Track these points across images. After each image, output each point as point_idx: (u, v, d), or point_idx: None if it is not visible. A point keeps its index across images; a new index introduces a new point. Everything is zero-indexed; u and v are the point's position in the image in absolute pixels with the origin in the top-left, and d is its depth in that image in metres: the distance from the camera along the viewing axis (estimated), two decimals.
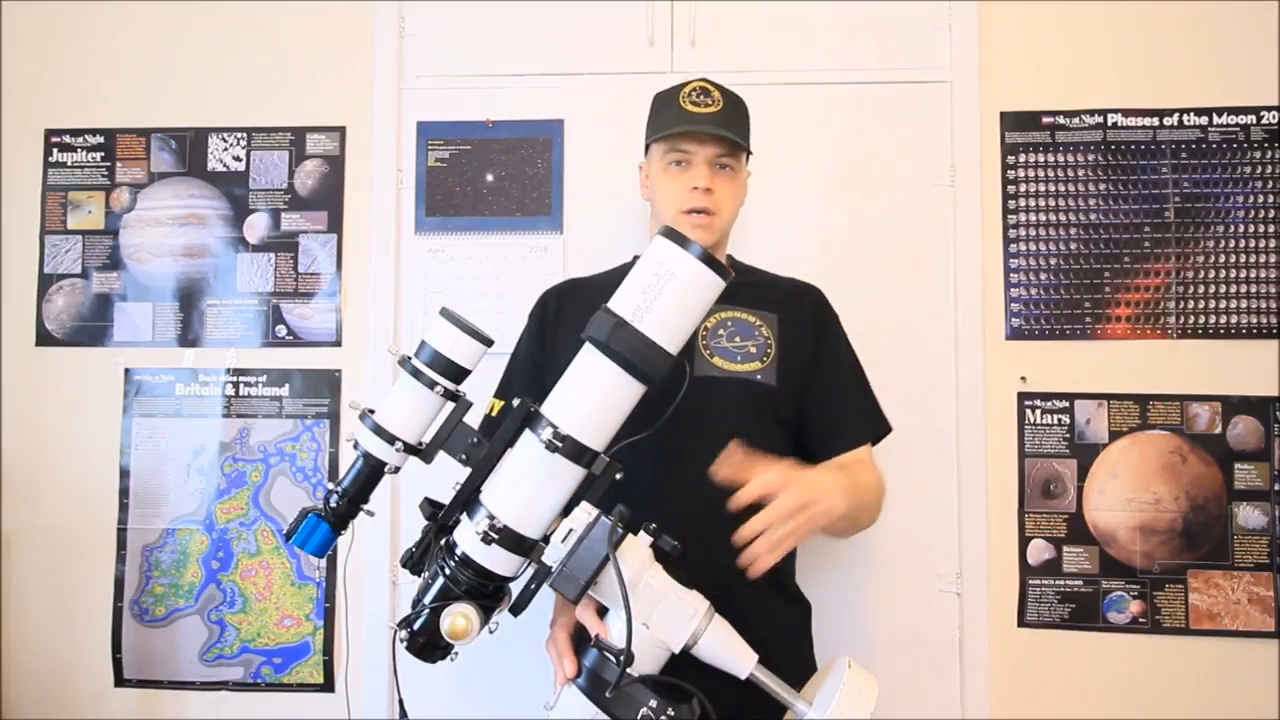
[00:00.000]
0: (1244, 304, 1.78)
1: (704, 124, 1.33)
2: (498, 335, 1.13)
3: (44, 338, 1.93)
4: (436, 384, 1.07)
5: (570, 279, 1.52)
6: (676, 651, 0.99)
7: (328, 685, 1.84)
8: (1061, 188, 1.82)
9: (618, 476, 1.01)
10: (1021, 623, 1.77)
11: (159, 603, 1.87)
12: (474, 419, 1.09)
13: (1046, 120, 1.83)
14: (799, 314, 1.40)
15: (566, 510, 1.01)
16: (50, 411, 1.91)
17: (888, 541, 1.76)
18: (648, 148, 1.43)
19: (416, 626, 1.02)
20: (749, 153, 1.42)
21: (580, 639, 1.06)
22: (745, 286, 1.37)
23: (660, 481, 1.23)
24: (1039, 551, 1.78)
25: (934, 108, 1.84)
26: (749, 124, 1.41)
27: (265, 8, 1.94)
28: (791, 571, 1.40)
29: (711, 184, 1.33)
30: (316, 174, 1.92)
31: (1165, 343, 1.79)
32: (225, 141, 1.93)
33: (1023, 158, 1.83)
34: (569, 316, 1.39)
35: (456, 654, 1.04)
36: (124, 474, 1.89)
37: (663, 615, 0.99)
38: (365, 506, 1.14)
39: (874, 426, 1.41)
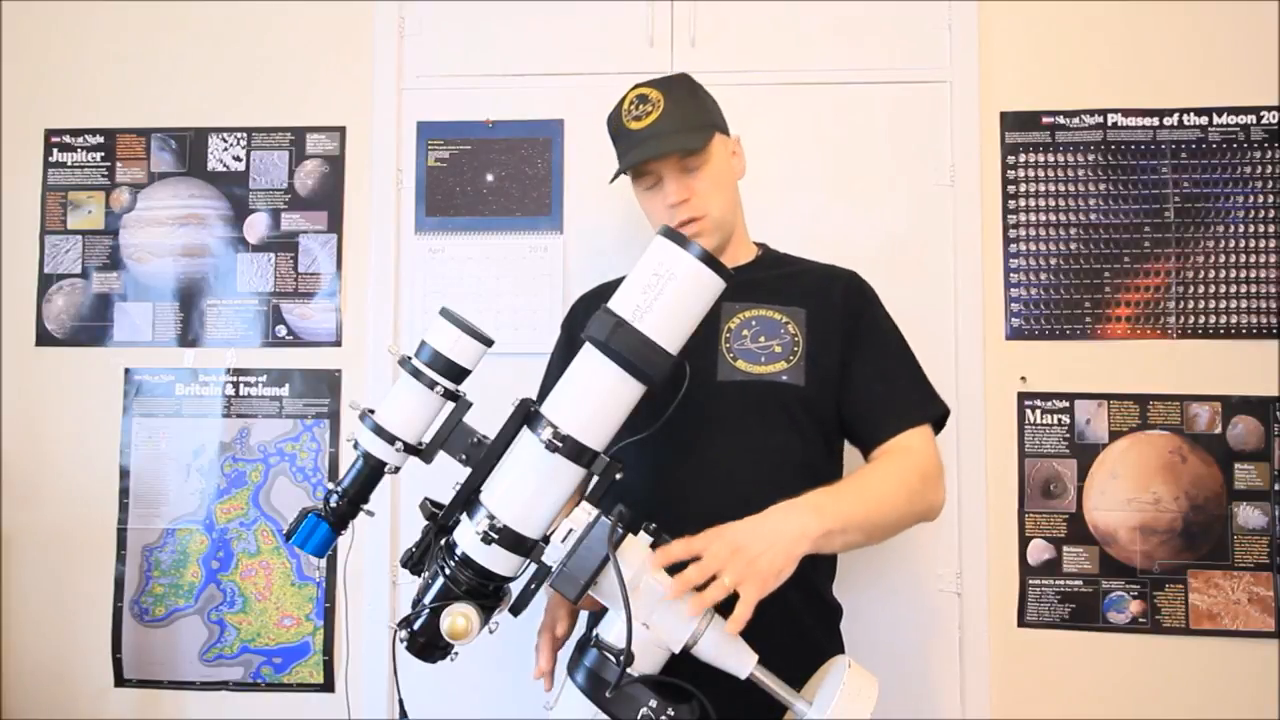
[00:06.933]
0: (1244, 304, 1.78)
1: (647, 142, 1.26)
2: (497, 335, 1.13)
3: (44, 338, 1.93)
4: (436, 384, 1.07)
5: (601, 284, 1.45)
6: (676, 651, 0.99)
7: (328, 685, 1.84)
8: (1061, 188, 1.82)
9: (618, 477, 1.01)
10: (1021, 623, 1.77)
11: (159, 603, 1.87)
12: (474, 419, 1.09)
13: (1046, 120, 1.83)
14: (828, 304, 1.30)
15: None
16: (50, 411, 1.91)
17: (888, 541, 1.76)
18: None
19: (416, 626, 1.02)
20: (722, 128, 1.34)
21: (585, 639, 1.06)
22: (773, 280, 1.34)
23: (689, 492, 1.22)
24: (1039, 551, 1.78)
25: (934, 108, 1.84)
26: (701, 103, 1.33)
27: (265, 8, 1.94)
28: (825, 580, 1.33)
29: (685, 192, 1.27)
30: (316, 174, 1.92)
31: (1165, 343, 1.79)
32: (225, 141, 1.93)
33: (1023, 158, 1.83)
34: None
35: (456, 654, 1.04)
36: (124, 474, 1.89)
37: (663, 615, 0.98)
38: (365, 506, 1.14)
39: (919, 410, 1.28)
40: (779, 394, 1.25)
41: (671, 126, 1.27)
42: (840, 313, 1.31)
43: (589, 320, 0.99)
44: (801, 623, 1.22)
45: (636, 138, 1.28)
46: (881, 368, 1.29)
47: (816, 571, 1.29)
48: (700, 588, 0.96)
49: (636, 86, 1.33)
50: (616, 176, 1.34)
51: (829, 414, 1.28)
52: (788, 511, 1.05)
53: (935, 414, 1.30)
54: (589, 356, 1.00)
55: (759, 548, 1.00)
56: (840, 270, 1.39)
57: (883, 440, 1.25)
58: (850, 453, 1.33)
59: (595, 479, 1.02)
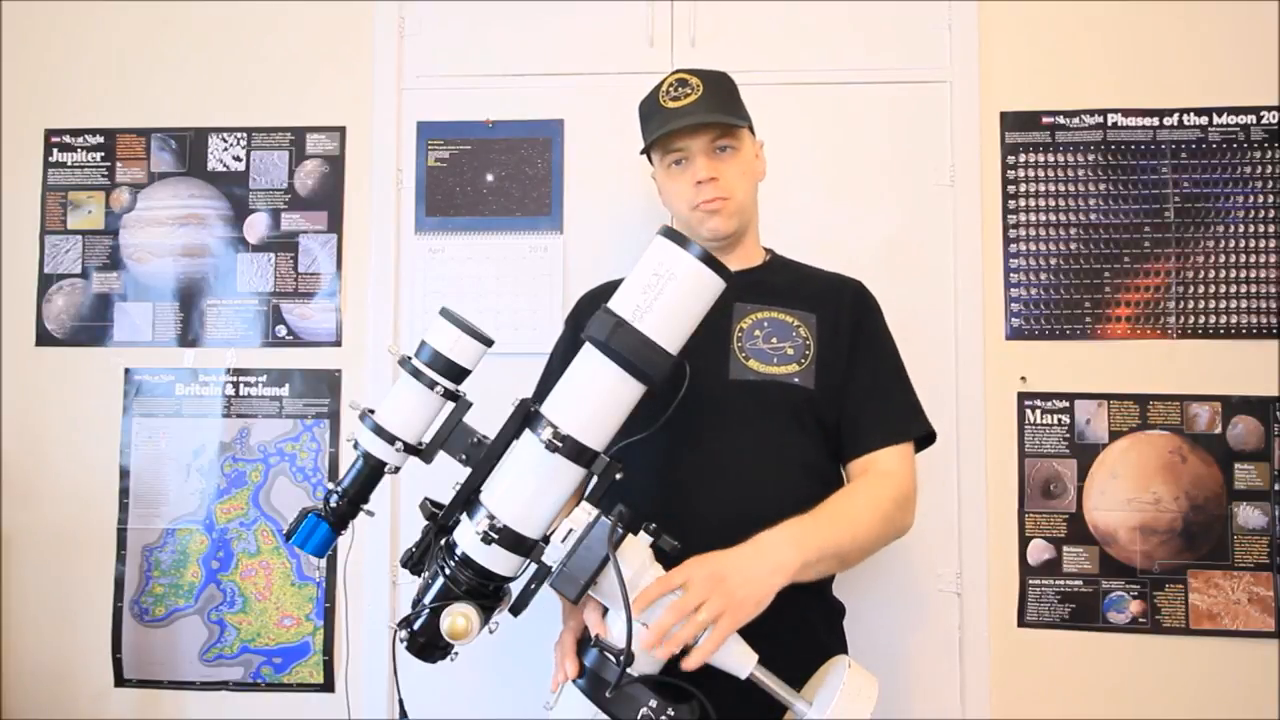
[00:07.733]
0: (1244, 304, 1.78)
1: (687, 116, 1.26)
2: (498, 335, 1.13)
3: (44, 338, 1.93)
4: (436, 384, 1.07)
5: (605, 283, 1.43)
6: (677, 651, 0.99)
7: (328, 685, 1.84)
8: (1061, 188, 1.82)
9: (618, 477, 1.01)
10: (1021, 623, 1.77)
11: (159, 603, 1.87)
12: (474, 419, 1.08)
13: (1046, 120, 1.83)
14: (837, 311, 1.31)
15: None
16: (50, 411, 1.91)
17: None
18: (650, 158, 1.38)
19: (416, 626, 1.02)
20: (750, 127, 1.36)
21: (585, 640, 1.06)
22: (783, 284, 1.34)
23: (701, 489, 1.21)
24: (1039, 551, 1.78)
25: (934, 108, 1.84)
26: (737, 97, 1.35)
27: (265, 8, 1.94)
28: (826, 580, 1.30)
29: (714, 172, 1.28)
30: (316, 174, 1.92)
31: (1165, 343, 1.79)
32: (225, 141, 1.93)
33: (1023, 158, 1.83)
34: None
35: (456, 654, 1.04)
36: (124, 474, 1.89)
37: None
38: (365, 506, 1.14)
39: (905, 427, 1.29)
40: (790, 395, 1.25)
41: (709, 109, 1.28)
42: (848, 321, 1.31)
43: (589, 320, 0.99)
44: (808, 621, 1.22)
45: (672, 114, 1.28)
46: (874, 380, 1.30)
47: None
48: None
49: (677, 71, 1.33)
50: (649, 147, 1.34)
51: (834, 420, 1.28)
52: (766, 545, 1.06)
53: (919, 433, 1.31)
54: (589, 356, 1.00)
55: (739, 579, 1.01)
56: (848, 279, 1.39)
57: (864, 452, 1.26)
58: None
59: (595, 479, 1.02)
